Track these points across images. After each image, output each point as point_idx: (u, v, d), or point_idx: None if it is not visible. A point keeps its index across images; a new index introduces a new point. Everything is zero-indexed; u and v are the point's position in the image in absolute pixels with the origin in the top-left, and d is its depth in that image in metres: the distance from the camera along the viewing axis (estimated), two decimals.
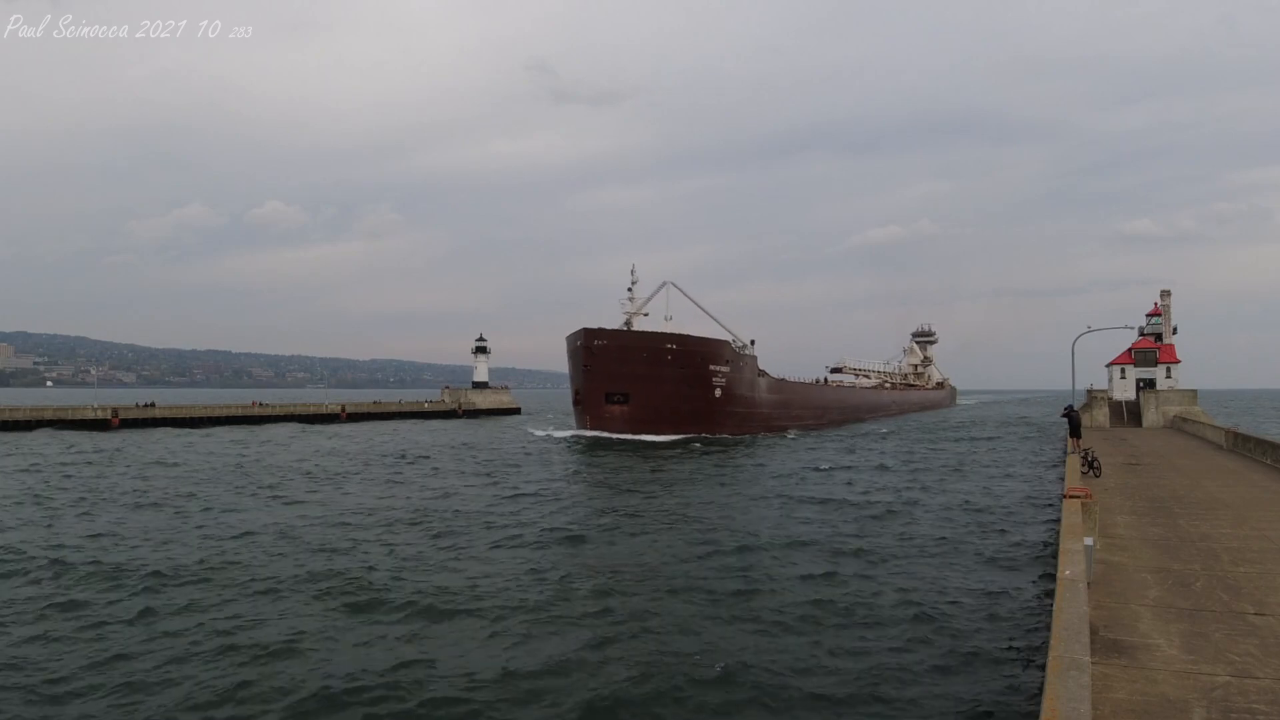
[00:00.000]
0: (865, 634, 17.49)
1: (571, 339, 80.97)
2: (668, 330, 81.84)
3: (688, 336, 79.80)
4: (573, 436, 79.12)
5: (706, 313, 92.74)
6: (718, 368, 79.88)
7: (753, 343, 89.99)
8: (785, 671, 15.22)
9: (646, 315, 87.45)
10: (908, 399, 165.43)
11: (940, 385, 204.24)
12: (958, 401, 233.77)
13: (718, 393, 79.89)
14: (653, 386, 76.27)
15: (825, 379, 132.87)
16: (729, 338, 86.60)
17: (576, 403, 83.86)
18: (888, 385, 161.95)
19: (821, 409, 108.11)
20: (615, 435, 75.92)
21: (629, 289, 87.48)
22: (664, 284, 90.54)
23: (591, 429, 78.98)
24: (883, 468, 52.18)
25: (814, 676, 15.06)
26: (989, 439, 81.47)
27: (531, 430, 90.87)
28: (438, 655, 15.77)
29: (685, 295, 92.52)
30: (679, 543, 26.85)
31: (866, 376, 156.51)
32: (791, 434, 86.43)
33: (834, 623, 18.27)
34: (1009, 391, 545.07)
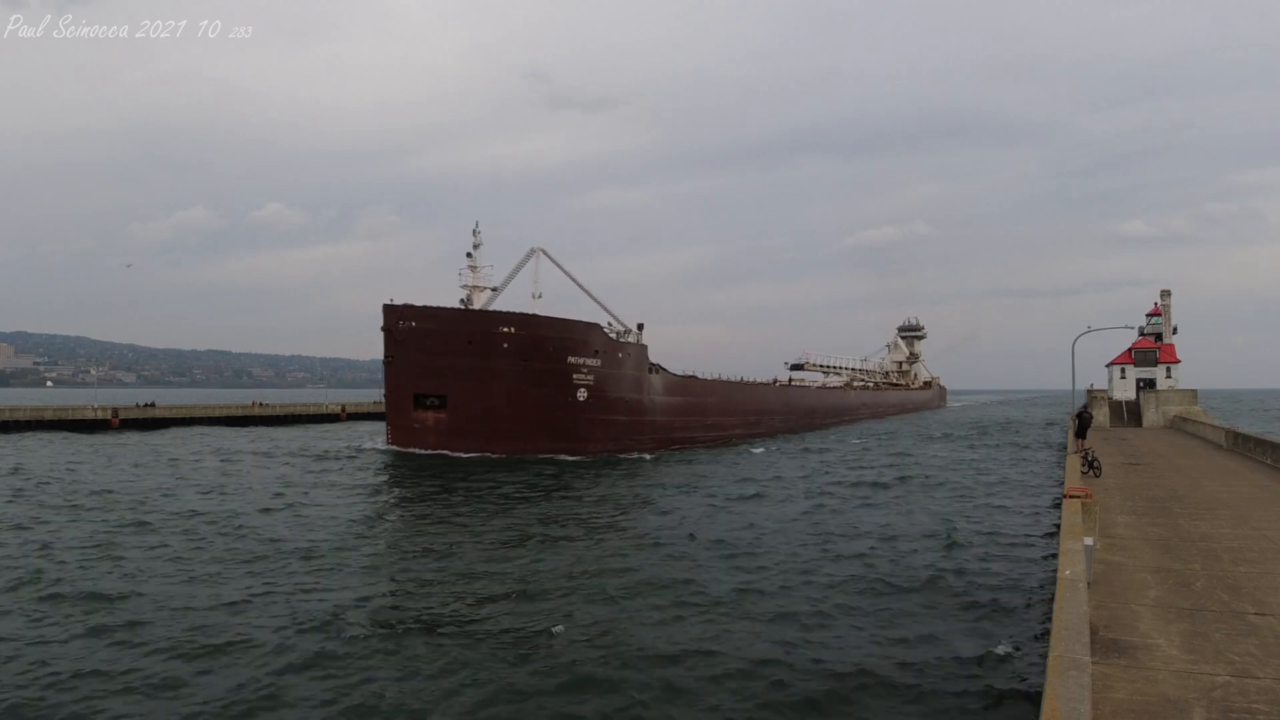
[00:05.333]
0: (863, 635, 17.49)
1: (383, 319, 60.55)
2: (527, 310, 63.43)
3: (535, 317, 60.45)
4: (376, 450, 60.58)
5: (583, 289, 71.33)
6: (581, 360, 59.92)
7: (640, 328, 68.85)
8: (783, 667, 15.24)
9: (493, 290, 66.80)
10: (883, 400, 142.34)
11: (928, 384, 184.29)
12: (949, 402, 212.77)
13: (581, 394, 59.78)
14: (480, 385, 57.14)
15: (789, 378, 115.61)
16: (607, 320, 66.88)
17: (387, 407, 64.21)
18: (864, 385, 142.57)
19: (755, 415, 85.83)
20: (428, 452, 57.22)
21: (469, 254, 65.02)
22: (533, 251, 69.28)
23: (394, 443, 59.69)
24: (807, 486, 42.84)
25: (813, 676, 15.07)
26: (971, 445, 75.31)
27: (362, 443, 67.81)
28: None
29: (558, 266, 70.75)
30: None
31: (838, 374, 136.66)
32: (701, 451, 65.73)
33: (833, 622, 18.28)
34: (1008, 391, 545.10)
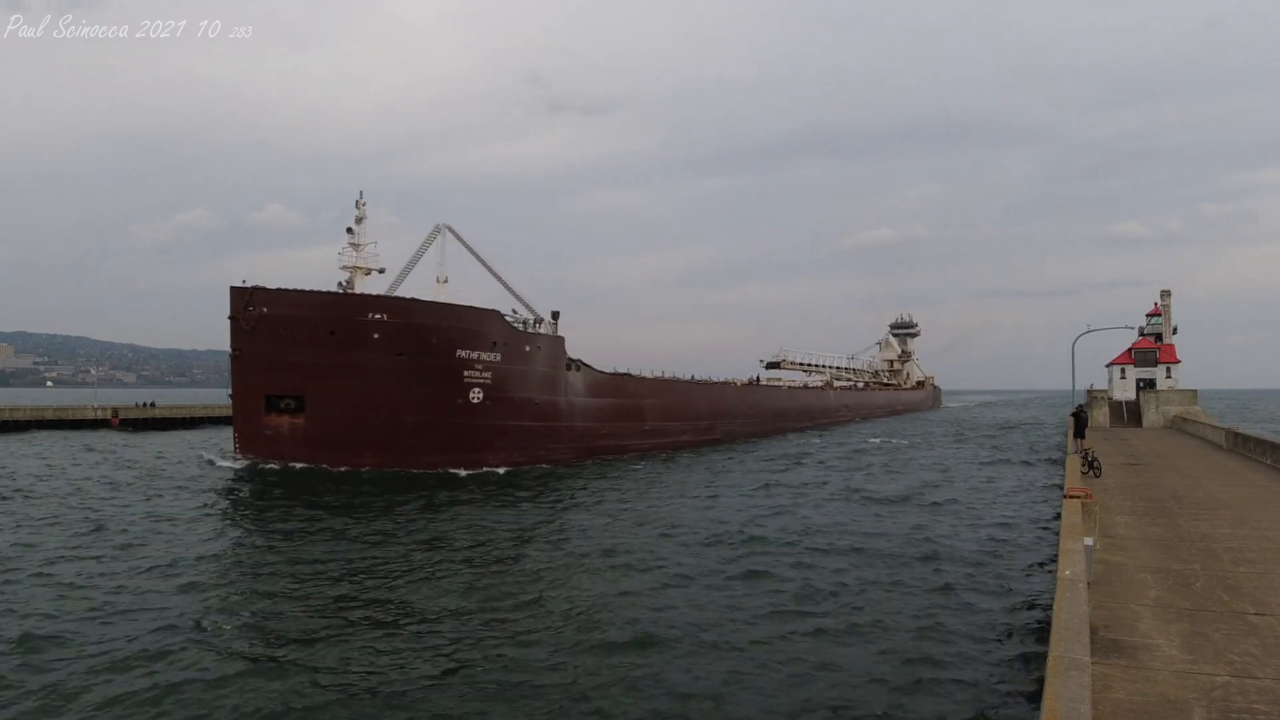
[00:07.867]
0: (865, 635, 17.50)
1: None
2: (434, 297, 54.54)
3: (415, 302, 51.41)
4: (215, 464, 51.93)
5: (490, 270, 61.61)
6: (475, 354, 50.90)
7: (556, 316, 59.15)
8: (781, 675, 15.24)
9: (381, 272, 56.81)
10: (869, 401, 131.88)
11: (920, 384, 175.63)
12: (944, 403, 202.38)
13: (476, 395, 50.85)
14: (345, 384, 48.29)
15: (757, 376, 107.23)
16: (513, 308, 57.72)
17: None
18: (849, 384, 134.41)
19: (709, 419, 75.68)
20: (282, 465, 48.50)
21: (349, 230, 54.96)
22: (438, 228, 60.37)
23: (243, 452, 50.47)
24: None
25: (814, 679, 15.07)
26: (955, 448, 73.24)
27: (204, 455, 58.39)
28: None
29: (464, 245, 61.36)
30: None
31: (820, 373, 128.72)
32: (631, 459, 57.33)
33: (834, 624, 18.28)
34: (1006, 392, 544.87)
